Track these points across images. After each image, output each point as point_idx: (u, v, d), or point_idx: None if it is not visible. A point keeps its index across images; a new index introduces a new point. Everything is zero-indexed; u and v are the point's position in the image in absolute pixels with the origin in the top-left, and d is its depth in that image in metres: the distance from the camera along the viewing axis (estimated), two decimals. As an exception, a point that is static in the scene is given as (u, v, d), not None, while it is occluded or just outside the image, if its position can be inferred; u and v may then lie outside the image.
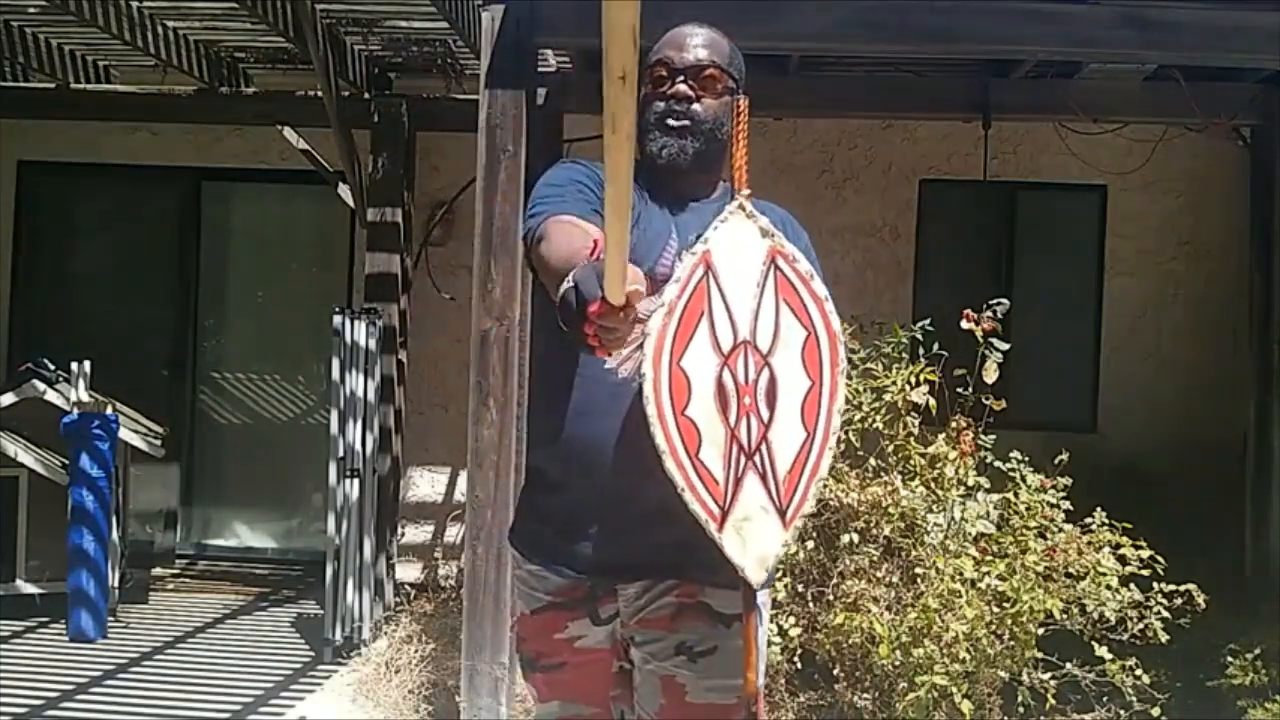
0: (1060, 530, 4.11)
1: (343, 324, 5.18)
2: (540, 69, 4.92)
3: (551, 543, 2.08)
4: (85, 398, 5.34)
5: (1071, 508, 4.18)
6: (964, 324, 4.26)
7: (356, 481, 5.22)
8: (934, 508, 4.10)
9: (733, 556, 1.84)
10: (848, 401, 4.23)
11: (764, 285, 1.94)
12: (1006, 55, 5.00)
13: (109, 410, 5.35)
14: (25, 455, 5.49)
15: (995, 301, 4.33)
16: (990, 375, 4.20)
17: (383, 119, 5.97)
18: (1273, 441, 5.18)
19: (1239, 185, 5.90)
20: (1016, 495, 4.16)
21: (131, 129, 6.73)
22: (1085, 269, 6.47)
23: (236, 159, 6.81)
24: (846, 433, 4.23)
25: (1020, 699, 3.96)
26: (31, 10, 5.43)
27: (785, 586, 4.09)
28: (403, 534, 6.34)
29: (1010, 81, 5.26)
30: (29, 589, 5.53)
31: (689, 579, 2.01)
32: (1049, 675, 3.96)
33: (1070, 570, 4.01)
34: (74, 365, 5.38)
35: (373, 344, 5.36)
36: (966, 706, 3.73)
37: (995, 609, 3.91)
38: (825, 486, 4.10)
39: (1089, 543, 4.07)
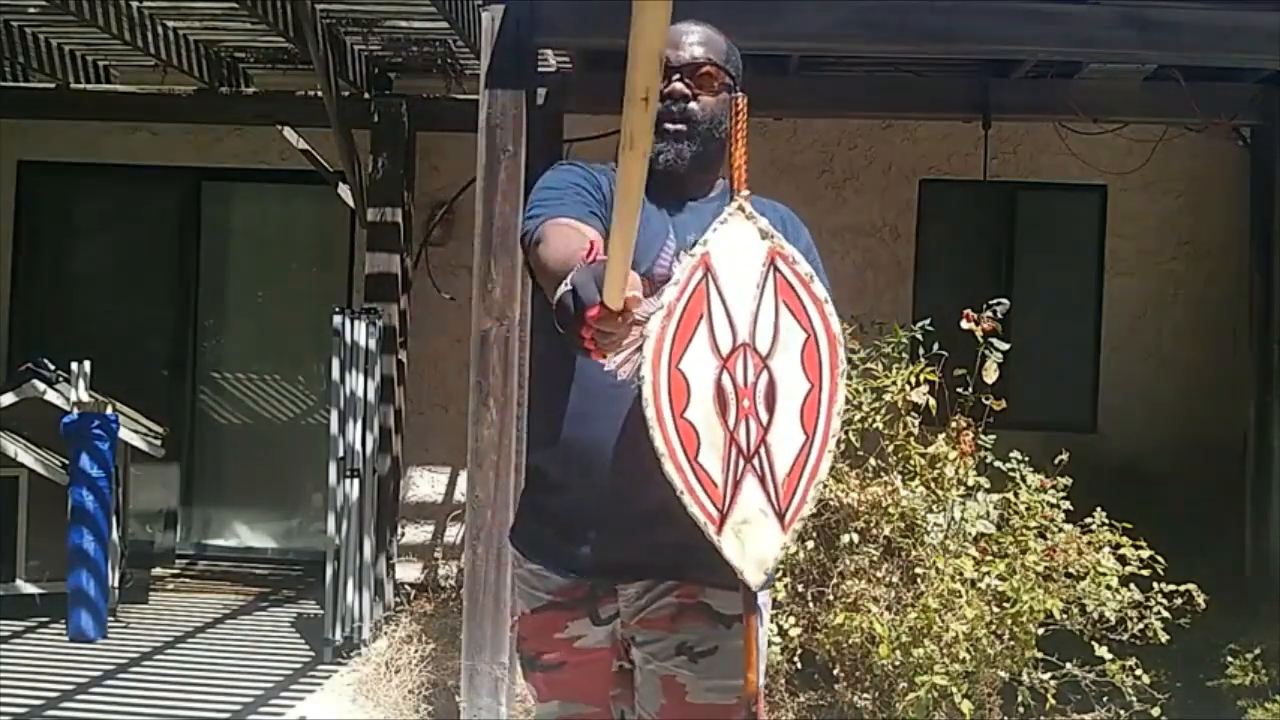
0: (1060, 530, 4.11)
1: (343, 324, 5.18)
2: (540, 69, 4.92)
3: (552, 543, 2.08)
4: (85, 398, 5.34)
5: (1071, 508, 4.18)
6: (964, 324, 4.26)
7: (356, 481, 5.22)
8: (934, 508, 4.10)
9: (731, 559, 1.84)
10: (848, 401, 4.22)
11: (763, 287, 1.94)
12: (1006, 55, 5.01)
13: (109, 410, 5.35)
14: (25, 455, 5.49)
15: (995, 301, 4.33)
16: (990, 375, 4.20)
17: (383, 119, 5.97)
18: (1273, 441, 5.18)
19: (1239, 185, 5.90)
20: (1016, 495, 4.16)
21: (131, 129, 6.73)
22: (1085, 269, 6.47)
23: (236, 159, 6.81)
24: (846, 433, 4.23)
25: (1020, 699, 3.96)
26: (31, 10, 5.43)
27: (785, 586, 4.09)
28: (403, 534, 6.34)
29: (1010, 81, 5.26)
30: (29, 589, 5.54)
31: (689, 579, 2.01)
32: (1049, 675, 3.96)
33: (1070, 570, 4.01)
34: (74, 365, 5.38)
35: (373, 344, 5.36)
36: (966, 706, 3.73)
37: (995, 609, 3.91)
38: (825, 486, 4.09)
39: (1089, 543, 4.07)
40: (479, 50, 4.35)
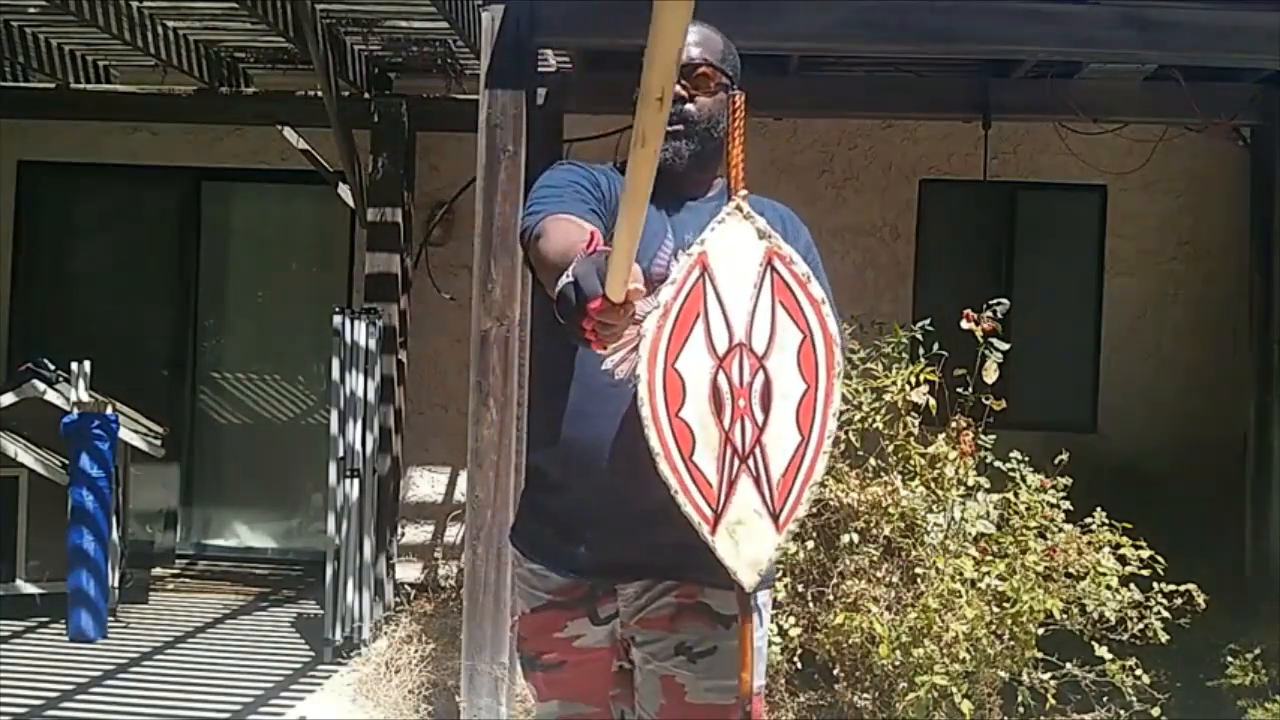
0: (1060, 530, 4.11)
1: (343, 324, 5.18)
2: (540, 69, 4.92)
3: (552, 542, 2.08)
4: (85, 398, 5.34)
5: (1071, 508, 4.17)
6: (964, 324, 4.26)
7: (356, 481, 5.22)
8: (934, 508, 4.10)
9: (725, 559, 1.84)
10: (847, 401, 4.23)
11: (760, 287, 1.93)
12: (1006, 55, 5.01)
13: (109, 410, 5.35)
14: (25, 455, 5.49)
15: (995, 301, 4.33)
16: (990, 375, 4.19)
17: (383, 119, 5.97)
18: (1273, 441, 5.18)
19: (1239, 185, 5.90)
20: (1016, 495, 4.16)
21: (131, 129, 6.73)
22: (1085, 269, 6.47)
23: (236, 159, 6.81)
24: (846, 433, 4.23)
25: (1020, 699, 3.95)
26: (31, 10, 5.43)
27: (785, 586, 4.09)
28: (403, 534, 6.34)
29: (1010, 81, 5.26)
30: (29, 589, 5.54)
31: (688, 579, 2.01)
32: (1049, 675, 3.96)
33: (1070, 570, 4.01)
34: (74, 365, 5.38)
35: (373, 344, 5.36)
36: (966, 706, 3.73)
37: (995, 609, 3.91)
38: (825, 486, 4.11)
39: (1089, 543, 4.07)
40: (479, 50, 4.35)
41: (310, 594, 6.07)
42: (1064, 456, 4.19)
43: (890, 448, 4.25)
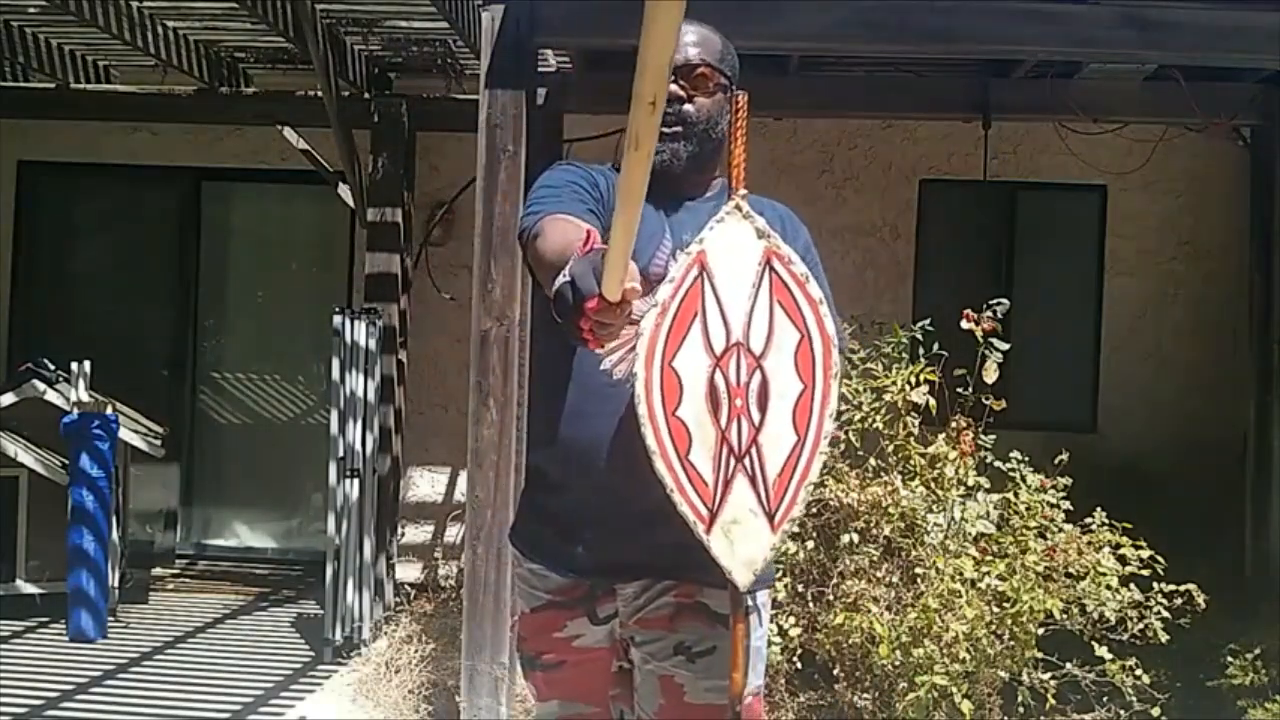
0: (1060, 530, 4.11)
1: (343, 324, 5.18)
2: (540, 69, 4.92)
3: (551, 542, 2.09)
4: (85, 398, 5.34)
5: (1071, 508, 4.17)
6: (964, 324, 4.26)
7: (356, 481, 5.22)
8: (934, 508, 4.10)
9: (720, 559, 1.84)
10: (847, 401, 4.23)
11: (758, 287, 1.93)
12: (1006, 55, 5.00)
13: (109, 410, 5.35)
14: (25, 455, 5.49)
15: (995, 301, 4.33)
16: (990, 375, 4.19)
17: (383, 119, 5.97)
18: (1273, 441, 5.18)
19: (1239, 185, 5.90)
20: (1016, 495, 4.16)
21: (131, 129, 6.73)
22: (1085, 269, 6.47)
23: (236, 159, 6.81)
24: (846, 433, 4.23)
25: (1020, 699, 3.95)
26: (31, 10, 5.43)
27: (785, 586, 4.09)
28: (403, 534, 6.34)
29: (1010, 81, 5.26)
30: (29, 589, 5.54)
31: (687, 579, 2.01)
32: (1049, 675, 3.96)
33: (1070, 570, 4.01)
34: (74, 365, 5.38)
35: (373, 344, 5.36)
36: (966, 706, 3.73)
37: (995, 609, 3.91)
38: (825, 486, 4.11)
39: (1089, 543, 4.07)
40: (479, 50, 4.35)
41: (310, 594, 6.07)
42: (1064, 456, 4.19)
43: (890, 448, 4.25)
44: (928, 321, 4.36)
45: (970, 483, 4.15)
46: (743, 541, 1.85)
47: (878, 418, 4.23)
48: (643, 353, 1.88)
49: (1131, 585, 3.98)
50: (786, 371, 1.90)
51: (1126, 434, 6.19)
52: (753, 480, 1.86)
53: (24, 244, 6.96)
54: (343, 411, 5.18)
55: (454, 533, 6.36)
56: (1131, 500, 4.33)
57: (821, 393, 1.90)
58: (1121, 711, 4.00)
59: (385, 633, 5.18)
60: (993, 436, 4.24)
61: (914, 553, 4.05)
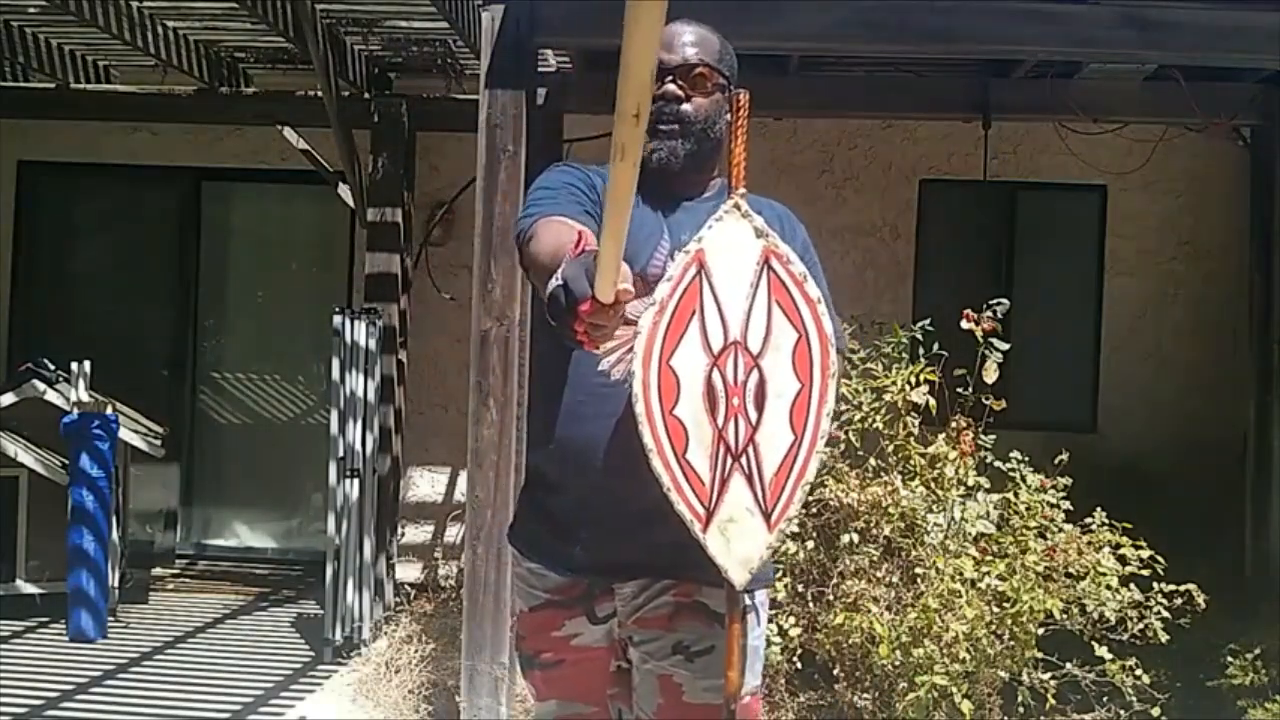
0: (1060, 530, 4.10)
1: (343, 324, 5.18)
2: (540, 69, 4.92)
3: (549, 542, 2.09)
4: (85, 398, 5.34)
5: (1071, 508, 4.17)
6: (964, 324, 4.26)
7: (356, 481, 5.22)
8: (934, 508, 4.10)
9: (716, 557, 1.85)
10: (847, 401, 4.24)
11: (757, 286, 1.94)
12: (1006, 55, 5.00)
13: (109, 410, 5.35)
14: (25, 455, 5.49)
15: (995, 301, 4.33)
16: (990, 375, 4.19)
17: (383, 119, 5.97)
18: (1273, 441, 5.17)
19: (1239, 185, 5.90)
20: (1016, 495, 4.16)
21: (131, 129, 6.73)
22: (1085, 269, 6.46)
23: (236, 159, 6.81)
24: (846, 433, 4.23)
25: (1020, 699, 3.95)
26: (31, 10, 5.43)
27: (785, 586, 4.09)
28: (403, 534, 6.34)
29: (1010, 81, 5.26)
30: (29, 589, 5.54)
31: (686, 578, 2.01)
32: (1049, 675, 3.96)
33: (1070, 570, 4.01)
34: (74, 365, 5.38)
35: (373, 344, 5.36)
36: (966, 706, 3.73)
37: (995, 609, 3.91)
38: (825, 486, 4.11)
39: (1089, 543, 4.07)
40: (479, 50, 4.35)
41: (310, 594, 6.07)
42: (1064, 456, 4.18)
43: (890, 448, 4.25)
44: (928, 321, 4.36)
45: (970, 483, 4.15)
46: (739, 540, 1.85)
47: (878, 418, 4.22)
48: (640, 351, 1.88)
49: (1131, 585, 3.98)
50: (784, 371, 1.91)
51: (1126, 434, 6.19)
52: (749, 479, 1.87)
53: (24, 244, 6.96)
54: (343, 411, 5.18)
55: (454, 533, 6.36)
56: (1131, 500, 4.32)
57: (819, 392, 1.91)
58: (1121, 711, 4.00)
59: (385, 633, 5.18)
60: (993, 436, 4.24)
61: (914, 553, 4.05)
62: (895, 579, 4.03)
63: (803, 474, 1.88)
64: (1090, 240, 6.46)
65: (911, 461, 4.22)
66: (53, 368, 5.62)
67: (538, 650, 2.14)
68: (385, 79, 6.32)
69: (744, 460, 1.87)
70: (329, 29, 5.48)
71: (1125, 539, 4.07)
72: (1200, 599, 3.95)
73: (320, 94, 5.42)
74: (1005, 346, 4.27)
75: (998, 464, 4.23)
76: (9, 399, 5.57)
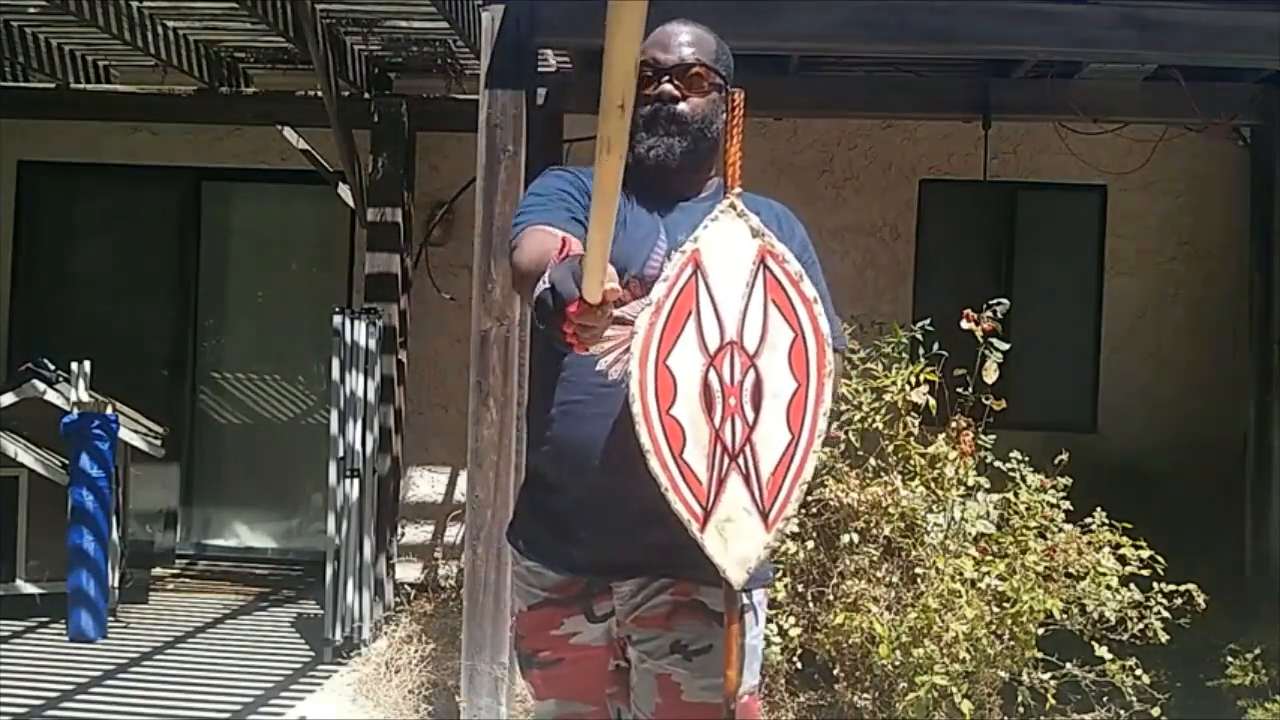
0: (1060, 530, 4.10)
1: (343, 324, 5.18)
2: (540, 69, 4.92)
3: (548, 541, 2.09)
4: (85, 398, 5.34)
5: (1071, 508, 4.17)
6: (964, 324, 4.26)
7: (356, 481, 5.22)
8: (934, 508, 4.10)
9: (714, 557, 1.85)
10: (847, 401, 4.23)
11: (753, 285, 1.94)
12: (1006, 55, 5.00)
13: (109, 410, 5.35)
14: (25, 455, 5.49)
15: (995, 301, 4.33)
16: (990, 375, 4.19)
17: (383, 119, 5.97)
18: (1273, 441, 5.17)
19: (1239, 185, 5.90)
20: (1016, 495, 4.16)
21: (131, 129, 6.73)
22: (1085, 269, 6.46)
23: (236, 159, 6.81)
24: (846, 433, 4.23)
25: (1020, 699, 3.95)
26: (31, 10, 5.43)
27: (785, 586, 4.08)
28: (403, 534, 6.34)
29: (1010, 81, 5.26)
30: (29, 589, 5.54)
31: (683, 577, 2.01)
32: (1049, 675, 3.96)
33: (1070, 570, 4.01)
34: (74, 365, 5.38)
35: (373, 344, 5.36)
36: (966, 706, 3.73)
37: (995, 609, 3.91)
38: (825, 486, 4.11)
39: (1089, 543, 4.07)
40: (479, 50, 4.35)
41: (310, 594, 6.07)
42: (1064, 456, 4.18)
43: (890, 448, 4.25)
44: (928, 321, 4.36)
45: (970, 483, 4.14)
46: (737, 540, 1.85)
47: (878, 418, 4.22)
48: (637, 351, 1.89)
49: (1131, 585, 3.98)
50: (780, 370, 1.91)
51: (1126, 434, 6.19)
52: (746, 479, 1.87)
53: (24, 244, 6.96)
54: (343, 411, 5.18)
55: (454, 533, 6.36)
56: (1131, 500, 4.32)
57: (815, 391, 1.91)
58: (1121, 711, 4.00)
59: (385, 633, 5.18)
60: (993, 436, 4.24)
61: (914, 553, 4.05)
62: (895, 579, 4.03)
63: (800, 473, 1.88)
64: (1090, 240, 6.46)
65: (911, 461, 4.22)
66: (53, 368, 5.62)
67: (536, 649, 2.15)
68: (385, 79, 6.32)
69: (741, 460, 1.87)
70: (329, 29, 5.48)
71: (1125, 539, 4.07)
72: (1200, 599, 3.95)
73: (320, 94, 5.42)
74: (1005, 346, 4.27)
75: (998, 464, 4.23)
76: (9, 399, 5.57)
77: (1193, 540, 4.56)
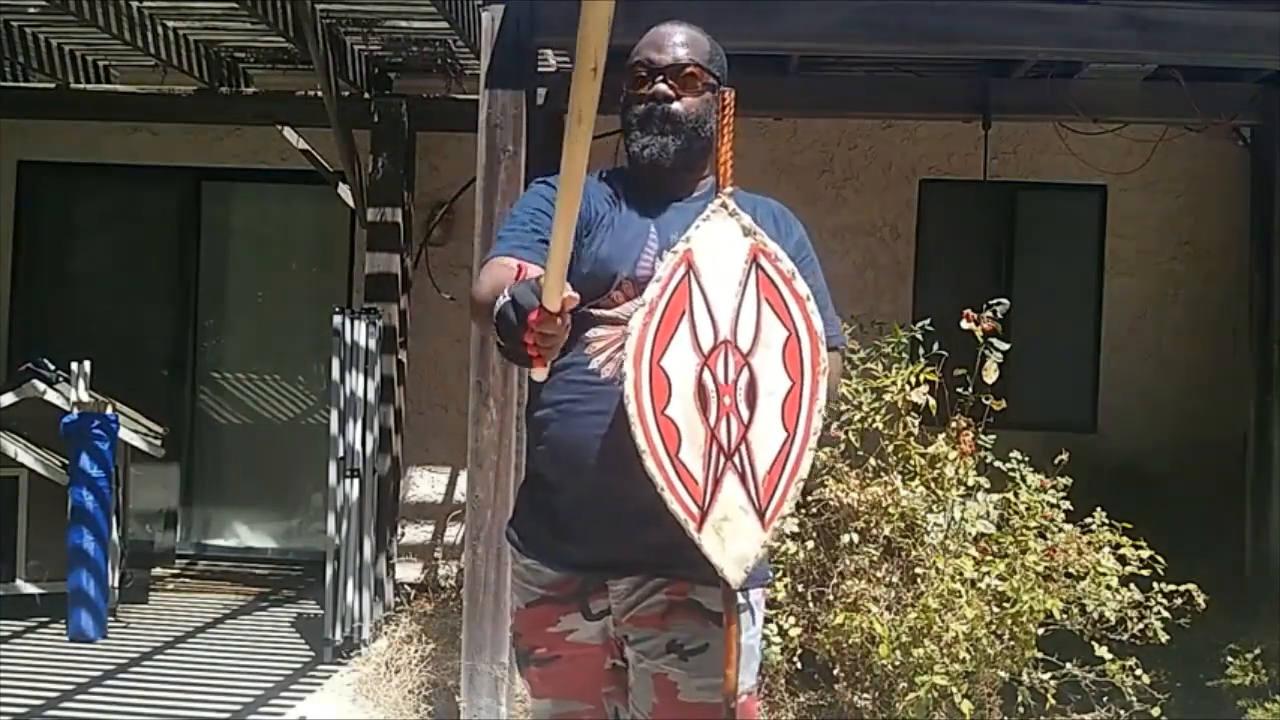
0: (1060, 530, 4.10)
1: (343, 324, 5.18)
2: (540, 69, 4.91)
3: (546, 539, 2.10)
4: (85, 398, 5.34)
5: (1071, 508, 4.17)
6: (964, 324, 4.26)
7: (356, 481, 5.22)
8: (934, 508, 4.10)
9: (711, 556, 1.86)
10: (847, 401, 4.23)
11: (745, 284, 1.95)
12: (1006, 55, 5.00)
13: (109, 410, 5.35)
14: (25, 455, 5.49)
15: (995, 301, 4.33)
16: (990, 375, 4.19)
17: (383, 119, 5.97)
18: (1273, 441, 5.17)
19: (1239, 185, 5.90)
20: (1016, 495, 4.16)
21: (131, 129, 6.73)
22: (1085, 269, 6.46)
23: (236, 159, 6.82)
24: (846, 433, 4.23)
25: (1020, 699, 3.95)
26: (31, 10, 5.43)
27: (785, 586, 4.08)
28: (403, 534, 6.34)
29: (1010, 81, 5.26)
30: (29, 589, 5.54)
31: (679, 577, 2.01)
32: (1049, 675, 3.95)
33: (1070, 570, 4.01)
34: (74, 365, 5.38)
35: (373, 344, 5.36)
36: (966, 706, 3.73)
37: (995, 609, 3.90)
38: (825, 486, 4.11)
39: (1089, 543, 4.07)
40: (479, 50, 4.35)
41: (310, 594, 6.07)
42: (1064, 456, 4.18)
43: (890, 448, 4.25)
44: (928, 321, 4.36)
45: (970, 483, 4.14)
46: (734, 539, 1.86)
47: (878, 418, 4.22)
48: (631, 352, 1.90)
49: (1131, 585, 3.98)
50: (775, 368, 1.91)
51: (1126, 434, 6.19)
52: (742, 477, 1.87)
53: (24, 244, 6.97)
54: (343, 411, 5.18)
55: (454, 533, 6.36)
56: (1131, 500, 4.32)
57: (810, 389, 1.91)
58: (1121, 711, 4.00)
59: (385, 633, 5.18)
60: (993, 436, 4.24)
61: (914, 553, 4.05)
62: (895, 579, 4.03)
63: (795, 471, 1.89)
64: (1090, 240, 6.46)
65: (911, 461, 4.22)
66: (53, 368, 5.62)
67: (533, 646, 2.16)
68: (385, 79, 6.32)
69: (737, 459, 1.87)
70: (329, 29, 5.48)
71: (1125, 539, 4.07)
72: (1200, 599, 3.95)
73: (320, 94, 5.42)
74: (1005, 346, 4.27)
75: (998, 464, 4.23)
76: (9, 399, 5.57)
77: (1193, 540, 4.56)
